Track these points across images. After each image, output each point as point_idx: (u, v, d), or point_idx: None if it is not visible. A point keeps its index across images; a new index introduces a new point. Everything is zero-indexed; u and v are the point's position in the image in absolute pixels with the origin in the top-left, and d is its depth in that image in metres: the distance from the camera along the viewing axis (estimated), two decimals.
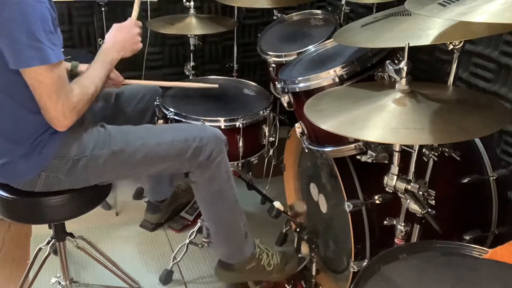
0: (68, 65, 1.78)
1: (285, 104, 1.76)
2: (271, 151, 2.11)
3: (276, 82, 1.80)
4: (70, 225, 1.75)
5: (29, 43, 1.35)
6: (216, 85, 2.11)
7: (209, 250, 2.19)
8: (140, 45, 1.75)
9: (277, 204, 1.78)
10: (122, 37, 1.70)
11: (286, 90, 1.71)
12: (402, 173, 1.34)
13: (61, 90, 1.44)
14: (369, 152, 1.45)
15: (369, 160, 1.45)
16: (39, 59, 1.37)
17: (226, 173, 1.78)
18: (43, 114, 1.46)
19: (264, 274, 1.94)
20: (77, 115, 1.50)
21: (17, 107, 1.48)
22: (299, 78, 1.64)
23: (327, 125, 1.22)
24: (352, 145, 1.56)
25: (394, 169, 1.33)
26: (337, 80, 1.55)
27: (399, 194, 1.36)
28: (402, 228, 1.42)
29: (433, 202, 1.35)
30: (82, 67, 1.81)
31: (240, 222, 1.86)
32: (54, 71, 1.40)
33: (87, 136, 1.60)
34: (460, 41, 1.30)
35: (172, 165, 1.72)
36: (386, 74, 1.54)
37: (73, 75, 1.75)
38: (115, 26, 1.73)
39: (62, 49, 1.51)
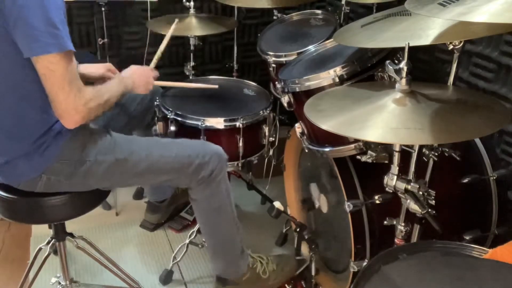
0: None
1: (285, 104, 1.76)
2: (271, 151, 2.10)
3: (276, 82, 1.80)
4: (70, 225, 1.75)
5: (46, 30, 1.33)
6: (216, 86, 2.12)
7: None
8: (151, 87, 1.84)
9: (277, 204, 1.78)
10: (139, 73, 1.80)
11: (286, 90, 1.71)
12: (402, 173, 1.34)
13: (73, 81, 1.41)
14: (369, 152, 1.45)
15: (369, 160, 1.45)
16: (57, 46, 1.35)
17: (226, 190, 1.80)
18: (53, 108, 1.43)
19: (261, 282, 1.95)
20: (89, 113, 1.46)
21: (20, 103, 1.46)
22: (299, 78, 1.64)
23: (327, 125, 1.22)
24: (352, 145, 1.56)
25: (394, 169, 1.33)
26: (337, 80, 1.56)
27: (399, 194, 1.36)
28: (402, 228, 1.42)
29: (433, 202, 1.35)
30: (82, 67, 1.81)
31: (237, 237, 1.87)
32: (67, 61, 1.38)
33: (92, 141, 1.59)
34: (460, 41, 1.30)
35: (173, 178, 1.73)
36: (386, 74, 1.54)
37: None
38: (132, 66, 1.82)
39: None
